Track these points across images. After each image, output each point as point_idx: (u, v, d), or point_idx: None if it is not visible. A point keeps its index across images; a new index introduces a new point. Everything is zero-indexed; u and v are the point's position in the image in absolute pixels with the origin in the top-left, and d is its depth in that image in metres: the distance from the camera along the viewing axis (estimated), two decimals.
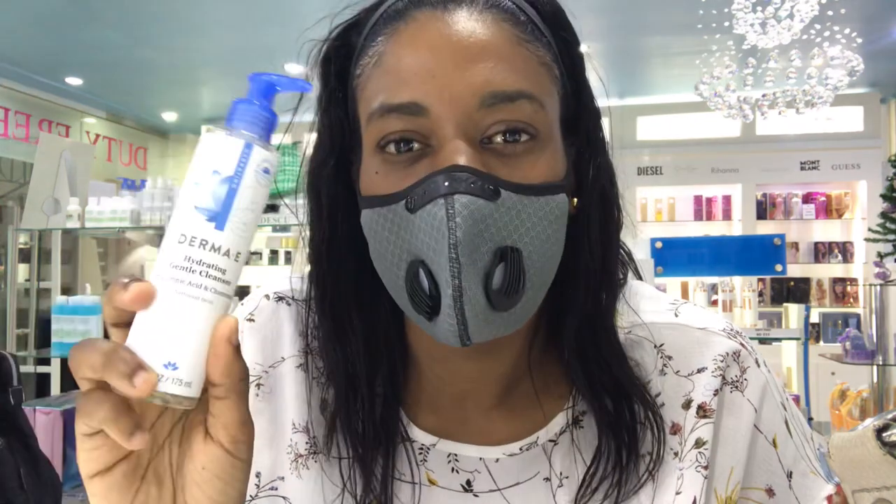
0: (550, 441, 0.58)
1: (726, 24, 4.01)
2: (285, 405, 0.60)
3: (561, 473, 0.57)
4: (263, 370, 0.61)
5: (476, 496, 0.57)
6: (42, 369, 3.49)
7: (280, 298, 0.64)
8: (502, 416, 0.59)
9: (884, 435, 0.93)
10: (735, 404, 0.58)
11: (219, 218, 0.42)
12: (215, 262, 0.42)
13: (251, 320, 0.63)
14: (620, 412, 0.55)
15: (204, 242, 0.42)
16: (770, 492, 0.58)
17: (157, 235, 3.19)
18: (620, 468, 0.54)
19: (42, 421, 1.97)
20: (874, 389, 3.18)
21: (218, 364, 0.41)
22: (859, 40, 4.05)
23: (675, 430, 0.57)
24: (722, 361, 0.58)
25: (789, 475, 0.59)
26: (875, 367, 3.17)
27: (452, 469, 0.57)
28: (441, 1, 0.50)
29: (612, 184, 0.57)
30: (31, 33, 4.93)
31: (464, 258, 0.45)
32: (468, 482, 0.57)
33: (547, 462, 0.57)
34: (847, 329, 3.87)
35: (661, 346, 0.59)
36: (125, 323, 0.42)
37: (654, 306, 0.61)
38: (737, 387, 0.58)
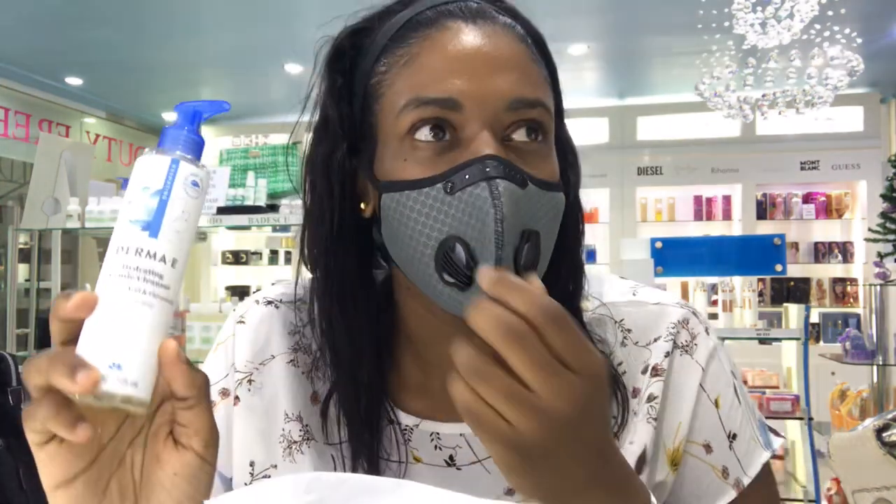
0: None
1: (726, 24, 4.01)
2: (277, 398, 0.64)
3: None
4: (254, 367, 0.66)
5: (459, 469, 0.62)
6: None
7: (269, 302, 0.69)
8: None
9: (884, 435, 0.93)
10: (684, 366, 0.64)
11: (152, 227, 0.46)
12: (152, 268, 0.45)
13: (242, 322, 0.68)
14: None
15: (140, 250, 0.46)
16: (708, 447, 0.64)
17: None
18: None
19: None
20: (874, 389, 3.18)
21: (179, 379, 0.45)
22: (859, 40, 4.05)
23: (635, 393, 0.64)
24: (673, 328, 0.65)
25: (732, 436, 0.64)
26: (875, 367, 3.17)
27: (435, 447, 0.62)
28: (469, 15, 0.57)
29: (578, 183, 0.65)
30: (31, 33, 4.93)
31: (507, 234, 0.51)
32: (451, 457, 0.62)
33: None
34: (847, 329, 3.87)
35: (622, 321, 0.66)
36: (73, 339, 0.45)
37: (614, 288, 0.69)
38: (686, 350, 0.65)
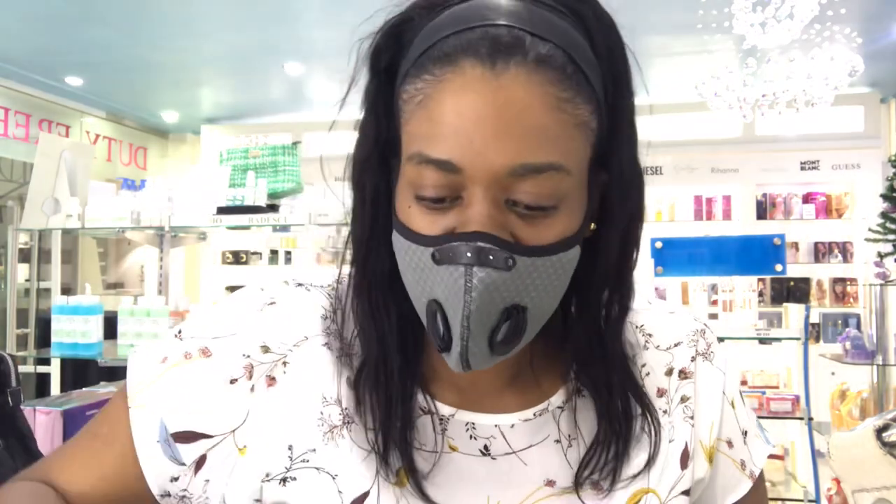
0: (558, 408, 0.65)
1: (726, 24, 4.01)
2: (313, 380, 0.63)
3: (569, 436, 0.64)
4: (288, 348, 0.64)
5: (493, 459, 0.63)
6: (42, 369, 3.49)
7: (299, 284, 0.68)
8: (513, 393, 0.66)
9: (884, 435, 0.93)
10: (708, 371, 0.70)
11: None
12: None
13: (273, 303, 0.66)
14: (615, 401, 0.64)
15: None
16: (730, 443, 0.70)
17: (158, 235, 3.18)
18: (618, 449, 0.63)
19: (42, 421, 1.96)
20: (874, 389, 3.18)
21: None
22: (859, 40, 4.05)
23: (661, 393, 0.68)
24: (694, 336, 0.71)
25: (745, 433, 0.71)
26: (875, 367, 3.17)
27: (471, 436, 0.63)
28: (489, 55, 0.51)
29: (638, 213, 0.63)
30: (31, 33, 4.93)
31: (474, 326, 0.53)
32: (485, 447, 0.63)
33: (556, 426, 0.65)
34: (847, 329, 3.87)
35: (641, 326, 0.70)
36: None
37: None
38: (706, 357, 0.70)
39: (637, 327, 0.70)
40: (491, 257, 0.52)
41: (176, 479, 0.61)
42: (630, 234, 0.62)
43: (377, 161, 0.59)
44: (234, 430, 0.61)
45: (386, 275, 0.61)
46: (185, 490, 0.61)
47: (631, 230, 0.62)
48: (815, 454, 2.91)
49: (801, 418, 3.02)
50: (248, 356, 0.62)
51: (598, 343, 0.63)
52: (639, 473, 0.64)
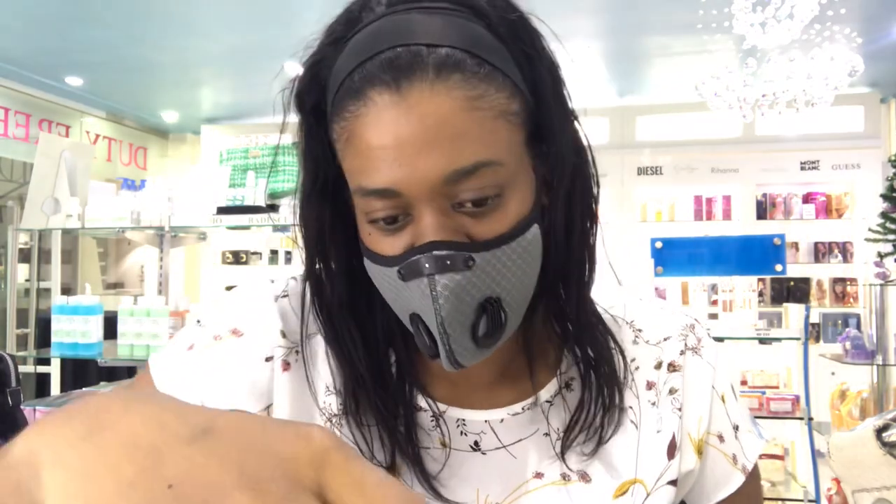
0: (547, 402, 0.67)
1: (726, 24, 4.01)
2: (319, 371, 0.66)
3: (558, 429, 0.66)
4: (300, 338, 0.67)
5: (484, 454, 0.65)
6: (42, 369, 3.49)
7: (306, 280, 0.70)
8: (502, 386, 0.67)
9: (884, 435, 0.93)
10: (697, 365, 0.70)
11: None
12: None
13: (286, 295, 0.69)
14: (599, 368, 0.65)
15: None
16: (721, 437, 0.70)
17: (157, 235, 3.18)
18: (603, 413, 0.65)
19: None
20: (874, 389, 3.18)
21: None
22: (859, 40, 4.05)
23: (650, 386, 0.69)
24: (684, 331, 0.71)
25: (736, 428, 0.71)
26: (875, 367, 3.17)
27: (461, 433, 0.65)
28: (393, 79, 0.53)
29: (580, 182, 0.62)
30: (31, 33, 4.93)
31: (450, 328, 0.54)
32: (476, 443, 0.65)
33: (545, 420, 0.66)
34: (847, 329, 3.87)
35: (632, 321, 0.72)
36: None
37: (621, 295, 0.75)
38: (696, 352, 0.71)
39: (628, 323, 0.71)
40: (448, 262, 0.54)
41: None
42: (580, 201, 0.62)
43: (318, 198, 0.62)
44: (267, 408, 0.64)
45: (344, 302, 0.63)
46: None
47: (579, 196, 0.62)
48: (815, 454, 2.91)
49: (801, 418, 3.02)
50: (274, 339, 0.65)
51: (576, 308, 0.64)
52: (623, 464, 0.65)
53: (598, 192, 0.65)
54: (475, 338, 0.56)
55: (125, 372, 3.40)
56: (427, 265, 0.54)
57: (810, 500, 2.93)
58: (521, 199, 0.57)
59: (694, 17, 4.26)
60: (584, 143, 0.63)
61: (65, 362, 3.13)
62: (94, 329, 2.70)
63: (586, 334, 0.65)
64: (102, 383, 3.19)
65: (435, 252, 0.54)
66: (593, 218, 0.64)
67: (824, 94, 4.26)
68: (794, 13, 3.69)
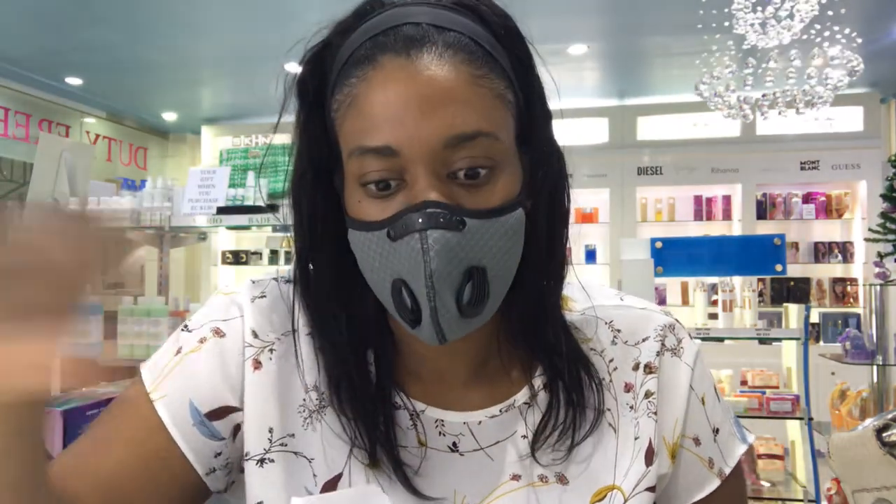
0: (525, 404, 0.67)
1: (726, 24, 4.01)
2: (298, 368, 0.67)
3: (535, 431, 0.66)
4: (276, 338, 0.67)
5: (461, 455, 0.65)
6: None
7: (288, 281, 0.71)
8: (477, 387, 0.68)
9: (884, 435, 0.93)
10: (675, 366, 0.69)
11: None
12: None
13: (263, 297, 0.69)
14: (571, 373, 0.66)
15: None
16: (697, 441, 0.69)
17: (157, 235, 3.18)
18: (573, 415, 0.65)
19: None
20: (874, 389, 3.18)
21: None
22: (859, 40, 4.05)
23: (629, 388, 0.69)
24: (661, 331, 0.71)
25: (716, 431, 0.71)
26: (875, 367, 3.17)
27: (440, 433, 0.66)
28: (404, 47, 0.57)
29: (560, 184, 0.65)
30: (31, 33, 4.93)
31: (438, 284, 0.55)
32: (454, 444, 0.66)
33: (523, 422, 0.67)
34: (847, 329, 3.87)
35: (611, 322, 0.71)
36: None
37: (603, 294, 0.74)
38: (675, 353, 0.70)
39: (606, 323, 0.71)
40: (441, 220, 0.55)
41: (219, 454, 0.64)
42: (555, 208, 0.64)
43: (312, 178, 0.63)
44: (242, 402, 0.65)
45: (333, 286, 0.65)
46: (227, 459, 0.64)
47: (555, 203, 0.64)
48: (815, 454, 2.91)
49: (801, 418, 3.02)
50: (245, 339, 0.66)
51: (542, 312, 0.65)
52: (601, 469, 0.65)
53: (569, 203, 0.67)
54: (459, 304, 0.56)
55: (125, 372, 3.40)
56: (420, 220, 0.55)
57: (810, 500, 2.93)
58: (511, 181, 0.59)
59: (694, 17, 4.26)
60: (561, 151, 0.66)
61: (65, 362, 3.12)
62: (94, 329, 2.69)
63: (554, 338, 0.66)
64: (102, 383, 3.19)
65: (429, 209, 0.55)
66: (567, 221, 0.67)
67: (824, 95, 4.26)
68: (794, 13, 3.69)
